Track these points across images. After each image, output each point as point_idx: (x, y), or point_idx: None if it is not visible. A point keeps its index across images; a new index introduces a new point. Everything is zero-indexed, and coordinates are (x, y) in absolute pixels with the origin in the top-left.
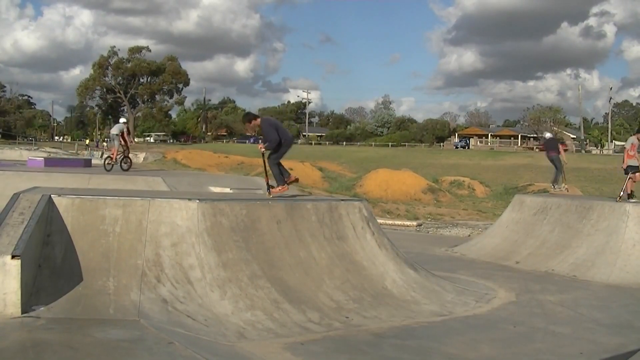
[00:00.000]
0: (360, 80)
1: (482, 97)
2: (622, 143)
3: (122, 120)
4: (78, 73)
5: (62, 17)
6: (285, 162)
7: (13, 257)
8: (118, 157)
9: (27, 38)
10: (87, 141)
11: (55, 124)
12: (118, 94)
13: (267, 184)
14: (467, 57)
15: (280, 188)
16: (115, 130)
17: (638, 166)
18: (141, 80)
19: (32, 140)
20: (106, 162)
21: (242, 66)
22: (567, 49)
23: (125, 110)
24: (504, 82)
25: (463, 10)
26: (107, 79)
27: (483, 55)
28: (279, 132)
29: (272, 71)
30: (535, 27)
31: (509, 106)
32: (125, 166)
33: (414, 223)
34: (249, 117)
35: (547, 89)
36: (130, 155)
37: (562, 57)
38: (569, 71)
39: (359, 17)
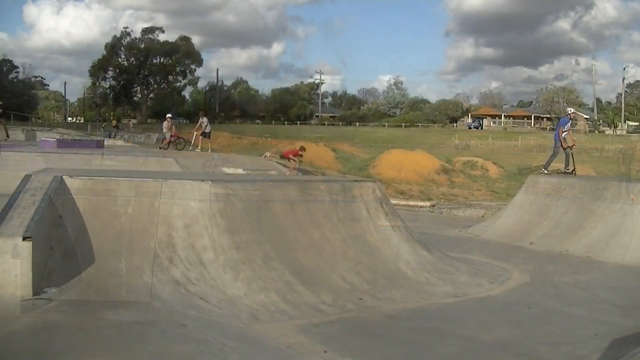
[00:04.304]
0: (376, 63)
1: (495, 82)
2: (635, 123)
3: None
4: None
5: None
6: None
7: (24, 238)
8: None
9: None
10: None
11: (69, 105)
12: (131, 75)
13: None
14: (480, 43)
15: None
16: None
17: None
18: (154, 61)
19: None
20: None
21: (267, 53)
22: (579, 33)
23: (138, 91)
24: (516, 67)
25: None
26: (120, 59)
27: (492, 44)
28: None
29: (295, 56)
30: (547, 10)
31: (522, 90)
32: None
33: (428, 204)
34: None
35: (559, 71)
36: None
37: (575, 41)
38: (581, 55)
39: (375, 3)
